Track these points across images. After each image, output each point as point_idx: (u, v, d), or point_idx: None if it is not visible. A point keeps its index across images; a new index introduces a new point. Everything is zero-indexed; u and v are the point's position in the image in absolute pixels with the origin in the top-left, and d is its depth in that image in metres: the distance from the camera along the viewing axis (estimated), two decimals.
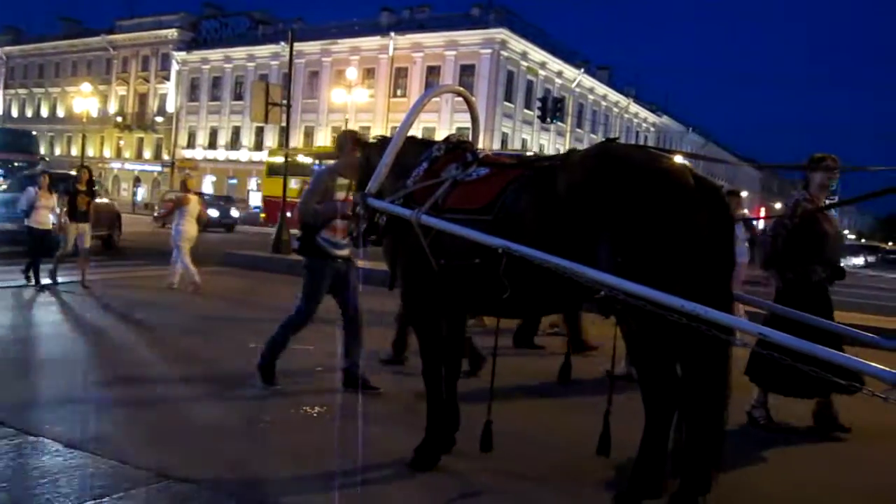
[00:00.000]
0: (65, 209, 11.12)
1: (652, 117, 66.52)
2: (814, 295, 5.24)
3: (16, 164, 13.62)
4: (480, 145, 4.79)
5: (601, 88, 58.01)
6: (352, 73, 41.00)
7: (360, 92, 40.14)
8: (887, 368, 2.84)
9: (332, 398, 5.38)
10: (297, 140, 49.77)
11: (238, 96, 56.18)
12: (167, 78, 60.56)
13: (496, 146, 44.86)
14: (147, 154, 61.89)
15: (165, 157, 59.76)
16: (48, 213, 11.09)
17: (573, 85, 53.60)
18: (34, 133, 46.76)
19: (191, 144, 59.55)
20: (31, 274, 10.66)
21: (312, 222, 5.63)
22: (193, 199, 11.50)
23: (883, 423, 5.25)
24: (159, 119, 60.27)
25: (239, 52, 57.02)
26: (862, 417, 5.30)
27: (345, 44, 50.98)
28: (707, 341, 3.28)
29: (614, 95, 60.07)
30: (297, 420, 5.01)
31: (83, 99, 40.92)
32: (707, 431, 3.56)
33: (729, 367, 3.61)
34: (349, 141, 5.51)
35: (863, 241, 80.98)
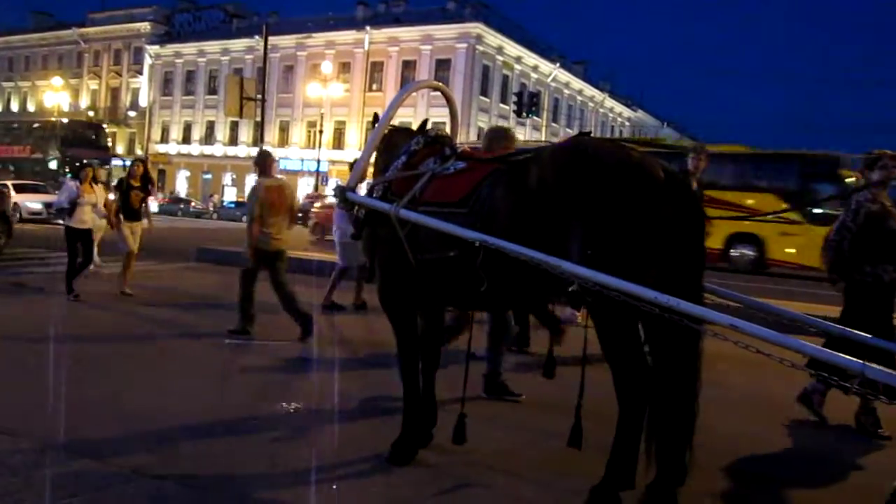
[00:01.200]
0: (116, 207, 9.92)
1: (627, 112, 66.92)
2: (886, 295, 5.17)
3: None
4: (458, 140, 4.80)
5: (577, 83, 58.24)
6: (327, 67, 40.85)
7: (335, 86, 40.04)
8: (855, 359, 2.90)
9: (308, 394, 5.37)
10: (271, 135, 49.51)
11: (212, 90, 55.75)
12: (140, 72, 59.93)
13: (472, 140, 44.91)
14: (120, 149, 61.06)
15: (139, 151, 59.11)
16: (91, 211, 9.79)
17: (549, 79, 53.77)
18: (104, 126, 45.74)
19: (164, 139, 59.00)
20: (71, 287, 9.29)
21: None
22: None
23: None
24: (132, 113, 59.67)
25: (213, 46, 56.53)
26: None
27: (320, 38, 50.73)
28: (679, 333, 3.32)
29: (590, 90, 60.33)
30: (273, 416, 4.99)
31: (54, 93, 40.48)
32: (680, 423, 3.61)
33: (700, 359, 3.66)
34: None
35: None
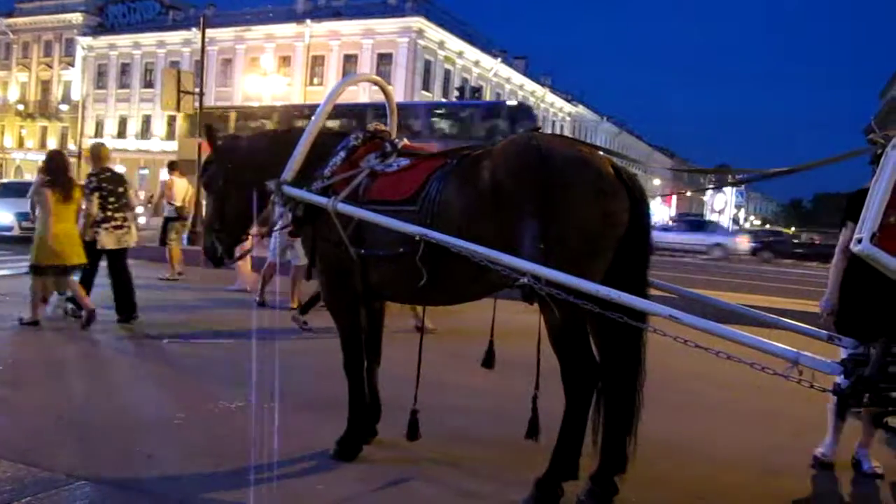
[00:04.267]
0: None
1: (568, 107, 67.56)
2: None
3: None
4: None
5: (518, 78, 58.56)
6: (267, 60, 40.31)
7: (275, 80, 39.46)
8: (789, 347, 2.99)
9: (251, 392, 5.30)
10: None
11: (148, 84, 54.47)
12: (72, 64, 58.15)
13: None
14: (52, 143, 59.28)
15: (72, 146, 57.41)
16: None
17: (490, 74, 53.95)
18: None
19: (98, 133, 57.34)
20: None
21: None
22: None
23: None
24: (64, 107, 57.83)
25: (148, 38, 55.23)
26: None
27: (259, 31, 50.01)
28: (624, 326, 3.38)
29: (531, 85, 60.74)
30: (215, 415, 4.92)
31: None
32: (623, 414, 3.68)
33: (643, 351, 3.74)
34: None
35: (767, 226, 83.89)
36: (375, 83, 5.11)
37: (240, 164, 4.56)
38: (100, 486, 3.66)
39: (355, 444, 4.25)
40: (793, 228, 70.80)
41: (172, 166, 13.40)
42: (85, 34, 57.38)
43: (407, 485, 3.91)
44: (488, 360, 4.14)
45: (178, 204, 12.72)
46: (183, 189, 12.87)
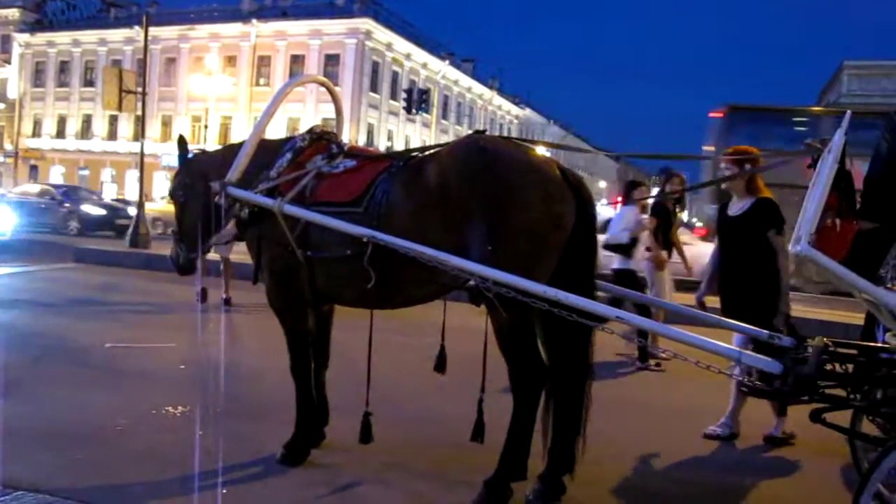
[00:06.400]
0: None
1: (515, 109, 68.07)
2: None
3: None
4: (345, 137, 4.76)
5: (466, 80, 58.79)
6: (212, 60, 39.67)
7: (221, 80, 38.84)
8: (732, 346, 3.06)
9: (194, 397, 5.20)
10: (154, 130, 47.74)
11: (89, 82, 53.14)
12: (8, 61, 56.44)
13: (362, 137, 44.69)
14: None
15: (8, 146, 55.79)
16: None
17: (438, 76, 54.07)
18: None
19: (36, 133, 55.78)
20: None
21: None
22: None
23: None
24: (0, 105, 56.18)
25: (89, 36, 53.90)
26: None
27: (204, 30, 49.26)
28: (570, 326, 3.42)
29: (478, 87, 61.03)
30: (158, 421, 4.82)
31: None
32: (571, 414, 3.72)
33: (591, 352, 3.78)
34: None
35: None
36: (322, 84, 5.09)
37: (197, 174, 4.57)
38: (38, 496, 3.55)
39: (303, 449, 4.20)
40: None
41: None
42: (22, 31, 55.70)
43: (356, 489, 3.88)
44: (440, 364, 4.13)
45: None
46: None
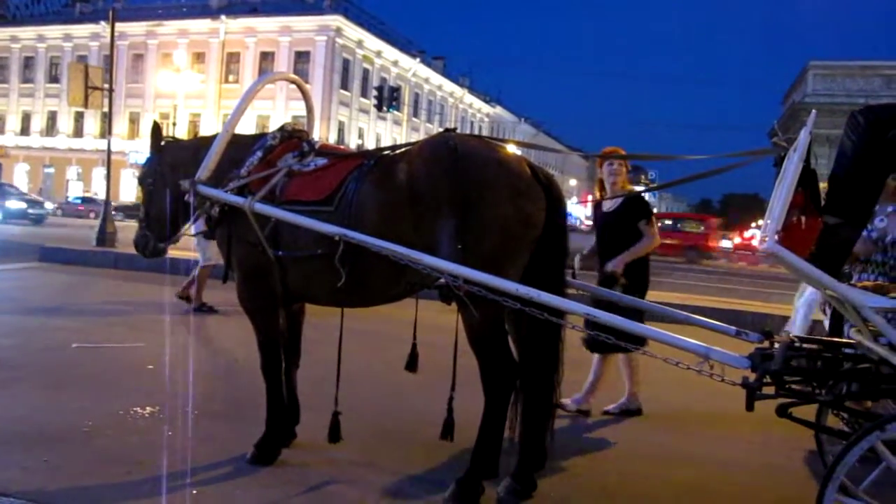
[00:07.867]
0: None
1: (486, 108, 68.26)
2: None
3: None
4: (316, 134, 4.74)
5: (437, 78, 58.84)
6: (180, 56, 39.21)
7: (189, 77, 38.43)
8: (701, 343, 3.10)
9: (163, 397, 5.15)
10: (121, 127, 47.15)
11: (54, 78, 52.45)
12: None
13: (333, 135, 44.51)
14: None
15: None
16: None
17: (409, 74, 54.05)
18: None
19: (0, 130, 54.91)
20: None
21: None
22: None
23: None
24: None
25: (54, 31, 53.15)
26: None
27: (172, 26, 48.80)
28: (541, 324, 3.45)
29: (449, 86, 61.10)
30: (126, 422, 4.76)
31: None
32: (541, 411, 3.75)
33: (561, 349, 3.81)
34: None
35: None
36: (293, 82, 5.05)
37: (168, 164, 4.53)
38: (4, 499, 3.49)
39: (274, 448, 4.17)
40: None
41: None
42: None
43: (327, 488, 3.87)
44: (411, 363, 4.13)
45: None
46: None
